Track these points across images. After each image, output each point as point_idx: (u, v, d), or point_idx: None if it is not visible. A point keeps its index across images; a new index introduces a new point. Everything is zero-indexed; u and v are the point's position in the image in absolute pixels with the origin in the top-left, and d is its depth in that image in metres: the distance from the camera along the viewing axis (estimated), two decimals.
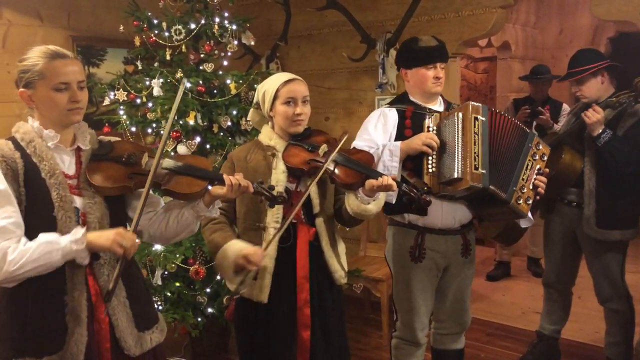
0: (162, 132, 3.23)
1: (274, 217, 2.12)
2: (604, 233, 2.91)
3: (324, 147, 2.13)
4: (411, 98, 2.57)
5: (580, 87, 2.95)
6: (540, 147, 2.43)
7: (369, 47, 4.08)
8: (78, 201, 1.68)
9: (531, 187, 2.36)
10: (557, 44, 6.13)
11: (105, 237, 1.61)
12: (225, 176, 1.82)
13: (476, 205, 2.51)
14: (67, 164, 1.71)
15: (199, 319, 3.16)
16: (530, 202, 2.36)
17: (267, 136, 2.23)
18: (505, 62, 5.73)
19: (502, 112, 2.43)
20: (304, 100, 2.16)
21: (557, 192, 3.04)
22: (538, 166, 2.40)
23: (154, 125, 3.26)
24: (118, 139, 1.91)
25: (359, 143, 2.48)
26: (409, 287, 2.56)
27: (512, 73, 5.65)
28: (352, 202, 2.12)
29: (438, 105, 2.58)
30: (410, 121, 2.49)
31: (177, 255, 3.04)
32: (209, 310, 3.20)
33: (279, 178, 2.12)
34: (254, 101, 2.30)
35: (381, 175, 2.04)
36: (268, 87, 2.19)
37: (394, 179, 2.04)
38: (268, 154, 2.18)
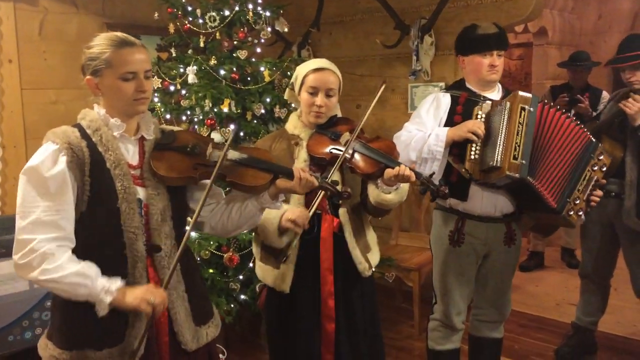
0: (195, 119, 3.25)
1: (296, 206, 2.10)
2: None
3: (345, 136, 2.11)
4: (467, 85, 2.55)
5: (636, 73, 2.84)
6: (602, 157, 2.38)
7: (402, 33, 4.02)
8: (141, 192, 1.65)
9: (585, 199, 2.34)
10: (595, 30, 5.95)
11: (134, 294, 1.55)
12: (294, 169, 1.78)
13: (523, 203, 2.48)
14: (131, 153, 1.69)
15: (232, 306, 3.18)
16: (582, 214, 2.34)
17: (293, 124, 2.22)
18: (542, 48, 5.59)
19: (558, 107, 2.37)
20: (328, 94, 2.11)
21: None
22: (595, 177, 2.36)
23: (188, 112, 3.28)
24: (180, 128, 1.88)
25: (409, 125, 2.50)
26: (446, 270, 2.58)
27: (548, 59, 5.51)
28: (373, 192, 2.10)
29: (496, 93, 2.54)
30: (462, 107, 2.46)
31: (211, 242, 3.07)
32: (242, 297, 3.22)
33: (299, 167, 2.09)
34: (291, 81, 2.28)
35: (399, 164, 2.01)
36: (300, 71, 2.17)
37: (411, 169, 2.00)
38: (292, 142, 2.16)
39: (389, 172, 2.00)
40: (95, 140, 1.61)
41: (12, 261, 1.54)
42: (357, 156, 2.05)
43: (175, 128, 1.86)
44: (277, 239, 2.05)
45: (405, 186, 2.14)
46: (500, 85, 2.58)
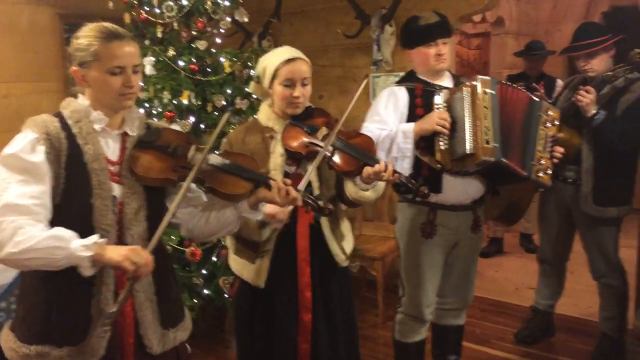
0: (154, 112, 3.18)
1: None
2: (601, 210, 2.92)
3: (323, 131, 2.08)
4: (419, 76, 2.55)
5: (590, 61, 2.89)
6: (550, 112, 2.41)
7: (363, 23, 4.02)
8: (117, 189, 1.61)
9: (548, 157, 2.37)
10: (551, 19, 6.09)
11: (117, 251, 1.48)
12: (272, 182, 1.74)
13: (495, 182, 2.52)
14: (112, 148, 1.64)
15: (195, 301, 3.15)
16: (550, 171, 2.37)
17: (266, 116, 2.17)
18: (499, 38, 5.69)
19: (511, 84, 2.41)
20: (303, 83, 2.08)
21: (555, 168, 3.02)
22: (551, 133, 2.38)
23: (147, 105, 3.20)
24: (166, 126, 1.83)
25: (369, 125, 2.46)
26: (418, 263, 2.57)
27: (505, 49, 5.62)
28: (350, 189, 2.09)
29: (447, 81, 2.55)
30: (421, 100, 2.45)
31: (173, 237, 3.02)
32: (205, 291, 3.19)
33: (276, 162, 2.07)
34: (255, 74, 2.23)
35: (378, 162, 2.00)
36: (269, 63, 2.11)
37: (393, 170, 2.00)
38: (266, 135, 2.12)
39: (367, 170, 1.99)
40: (75, 131, 1.57)
41: None
42: (336, 154, 2.02)
43: (162, 125, 1.81)
44: (257, 232, 2.02)
45: (382, 183, 2.13)
46: (449, 73, 2.59)
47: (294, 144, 2.05)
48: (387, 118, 2.44)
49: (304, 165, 2.10)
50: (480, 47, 6.52)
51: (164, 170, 1.64)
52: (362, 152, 2.04)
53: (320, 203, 1.87)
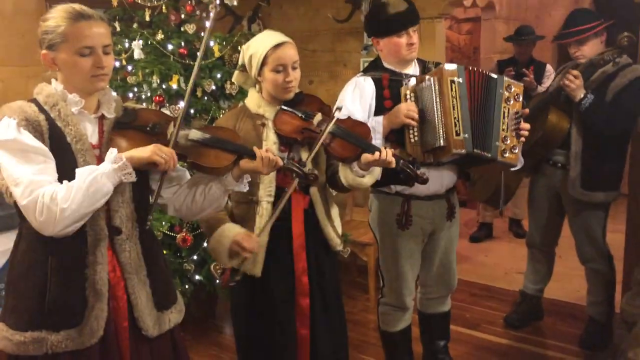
0: (143, 96, 3.14)
1: (266, 191, 2.08)
2: (589, 195, 2.94)
3: (318, 117, 2.07)
4: (385, 64, 2.47)
5: (581, 47, 2.90)
6: (513, 88, 2.33)
7: (354, 7, 3.98)
8: None
9: (514, 135, 2.30)
10: (541, 4, 6.08)
11: (142, 149, 1.55)
12: (255, 149, 1.75)
13: (466, 166, 2.50)
14: (90, 132, 1.62)
15: (187, 287, 3.14)
16: (517, 150, 2.31)
17: (255, 103, 2.13)
18: (490, 23, 5.67)
19: (478, 69, 2.34)
20: (294, 66, 2.06)
21: (545, 152, 3.05)
22: (515, 110, 2.31)
23: (135, 89, 3.16)
24: (142, 106, 1.83)
25: (342, 111, 2.41)
26: (396, 254, 2.56)
27: (496, 34, 5.60)
28: (347, 175, 2.07)
29: (413, 69, 2.48)
30: (389, 91, 2.39)
31: (164, 223, 3.00)
32: (196, 277, 3.19)
33: (270, 149, 2.05)
34: (239, 63, 2.19)
35: (378, 149, 1.99)
36: (255, 50, 2.06)
37: (393, 155, 2.00)
38: (257, 122, 2.10)
39: (367, 157, 1.98)
40: (54, 115, 1.55)
41: None
42: (335, 140, 2.02)
43: (137, 106, 1.80)
44: (227, 260, 2.04)
45: (379, 169, 2.12)
46: (415, 60, 2.50)
47: (288, 128, 2.04)
48: (355, 112, 2.34)
49: (295, 150, 2.09)
50: (470, 32, 6.49)
51: None
52: (360, 138, 2.04)
53: (305, 169, 1.85)
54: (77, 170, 1.50)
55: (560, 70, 3.17)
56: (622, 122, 2.80)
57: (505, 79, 2.35)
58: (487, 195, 2.82)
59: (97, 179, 1.47)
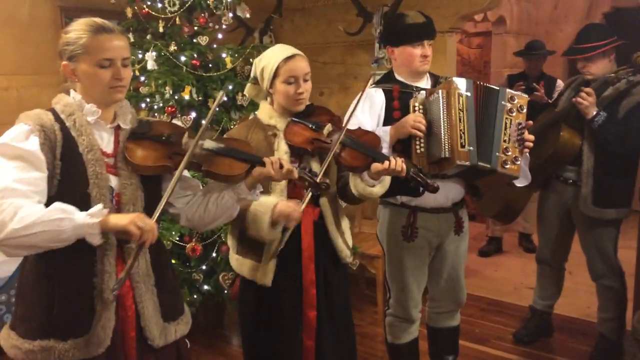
0: (155, 106, 3.17)
1: (279, 199, 2.08)
2: (600, 211, 2.93)
3: (328, 127, 2.08)
4: (397, 77, 2.51)
5: (588, 64, 2.91)
6: (516, 100, 2.34)
7: (365, 20, 4.01)
8: (113, 180, 1.62)
9: (516, 146, 2.30)
10: (552, 19, 6.08)
11: (123, 217, 1.51)
12: (265, 158, 1.78)
13: (469, 178, 2.50)
14: (106, 141, 1.66)
15: (195, 296, 3.15)
16: (519, 162, 2.30)
17: (267, 114, 2.16)
18: (500, 37, 5.68)
19: (482, 82, 2.36)
20: (305, 78, 2.08)
21: (556, 168, 3.04)
22: (518, 121, 2.32)
23: (148, 99, 3.20)
24: (156, 119, 1.86)
25: (352, 120, 2.44)
26: (402, 266, 2.56)
27: (506, 48, 5.61)
28: (358, 185, 2.08)
29: (425, 82, 2.52)
30: (398, 102, 2.42)
31: (173, 233, 3.02)
32: (205, 287, 3.19)
33: (281, 159, 2.07)
34: (252, 76, 2.22)
35: (388, 159, 2.00)
36: (267, 62, 2.09)
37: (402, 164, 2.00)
38: (269, 133, 2.11)
39: (377, 167, 1.99)
40: (69, 124, 1.58)
41: None
42: (345, 150, 2.03)
43: (151, 118, 1.84)
44: (269, 232, 2.00)
45: (388, 178, 2.13)
46: (428, 73, 2.55)
47: (299, 139, 2.05)
48: (364, 121, 2.39)
49: (306, 161, 2.10)
50: (481, 46, 6.50)
51: (160, 158, 1.67)
52: (370, 148, 2.06)
53: (317, 179, 1.87)
54: (55, 203, 1.47)
55: (570, 83, 3.17)
56: (634, 139, 2.79)
57: (508, 90, 2.36)
58: (495, 210, 2.81)
59: (63, 223, 1.44)
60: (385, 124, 2.41)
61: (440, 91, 2.30)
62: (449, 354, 2.83)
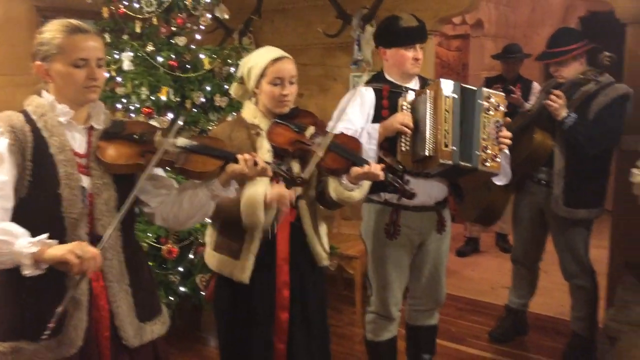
0: (132, 107, 3.16)
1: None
2: (572, 212, 2.98)
3: (310, 130, 2.10)
4: (387, 77, 2.57)
5: (560, 69, 2.96)
6: (493, 99, 2.39)
7: (344, 22, 4.03)
8: (86, 181, 1.62)
9: (495, 143, 2.36)
10: (529, 23, 6.17)
11: (61, 247, 1.42)
12: (239, 155, 1.77)
13: (452, 178, 2.55)
14: (79, 142, 1.65)
15: (172, 298, 3.13)
16: (499, 159, 2.36)
17: (251, 114, 2.17)
18: (478, 40, 5.75)
19: (463, 84, 2.41)
20: (291, 81, 2.10)
21: (531, 170, 3.09)
22: (496, 119, 2.37)
23: (124, 100, 3.18)
24: (129, 119, 1.85)
25: (336, 124, 2.46)
26: (384, 263, 2.59)
27: (484, 51, 5.68)
28: (337, 189, 2.09)
29: (414, 84, 2.58)
30: (387, 101, 2.48)
31: (149, 235, 3.00)
32: (181, 289, 3.18)
33: (263, 158, 2.06)
34: (238, 75, 2.22)
35: (368, 163, 2.02)
36: (255, 63, 2.11)
37: (382, 169, 2.02)
38: (252, 132, 2.12)
39: (356, 171, 2.01)
40: (40, 125, 1.58)
41: None
42: (326, 153, 2.03)
43: (125, 119, 1.83)
44: (262, 213, 1.99)
45: (367, 183, 2.14)
46: (417, 75, 2.60)
47: (281, 140, 2.06)
48: (354, 119, 2.45)
49: (286, 162, 2.10)
50: (459, 49, 6.57)
51: (132, 156, 1.67)
52: (350, 152, 2.07)
53: (291, 173, 1.87)
54: (3, 223, 1.44)
55: (543, 88, 3.23)
56: (604, 140, 2.84)
57: (485, 90, 2.41)
58: (476, 214, 2.85)
59: (3, 247, 1.40)
60: (374, 122, 2.47)
61: (428, 92, 2.35)
62: (426, 353, 2.87)
